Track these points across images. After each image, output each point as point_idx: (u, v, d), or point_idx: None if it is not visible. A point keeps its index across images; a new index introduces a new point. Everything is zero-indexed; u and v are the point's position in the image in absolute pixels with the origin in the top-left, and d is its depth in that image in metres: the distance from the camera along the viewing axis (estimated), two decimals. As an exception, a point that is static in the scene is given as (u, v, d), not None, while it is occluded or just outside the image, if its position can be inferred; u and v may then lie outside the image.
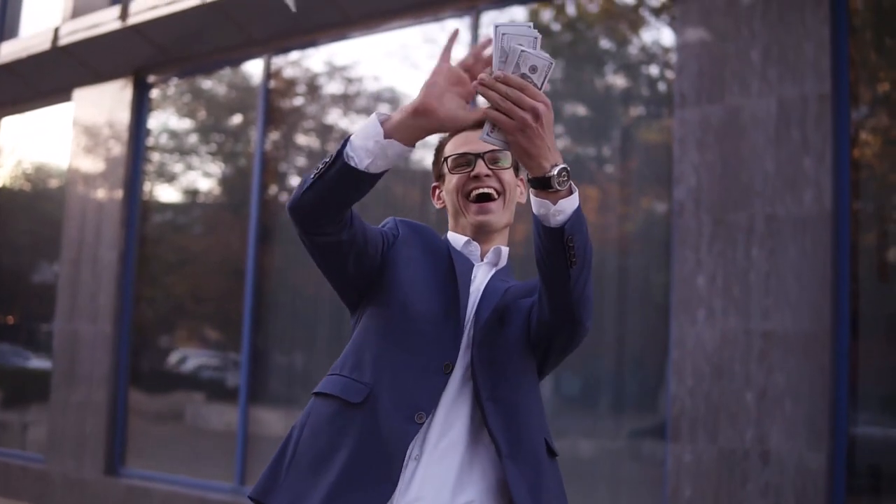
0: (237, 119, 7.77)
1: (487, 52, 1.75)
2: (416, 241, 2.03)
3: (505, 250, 2.09)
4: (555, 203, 1.70)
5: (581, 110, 6.11)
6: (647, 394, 5.40)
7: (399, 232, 2.03)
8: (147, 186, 7.84)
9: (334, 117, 7.28)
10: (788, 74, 4.54)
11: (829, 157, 4.40)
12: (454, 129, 1.77)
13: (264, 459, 1.94)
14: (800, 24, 4.53)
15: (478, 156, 2.03)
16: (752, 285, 4.53)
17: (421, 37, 6.50)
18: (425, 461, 1.84)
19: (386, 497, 1.80)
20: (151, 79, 7.75)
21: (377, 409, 1.85)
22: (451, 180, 2.07)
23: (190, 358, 7.84)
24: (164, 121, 8.03)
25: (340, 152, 1.75)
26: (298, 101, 7.44)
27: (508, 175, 2.05)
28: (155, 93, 7.87)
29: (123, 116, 7.67)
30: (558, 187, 1.69)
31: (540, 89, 1.67)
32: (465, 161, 2.05)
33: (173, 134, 8.16)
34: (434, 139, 2.05)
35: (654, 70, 5.71)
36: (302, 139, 7.36)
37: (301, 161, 7.15)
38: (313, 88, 7.31)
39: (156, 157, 7.98)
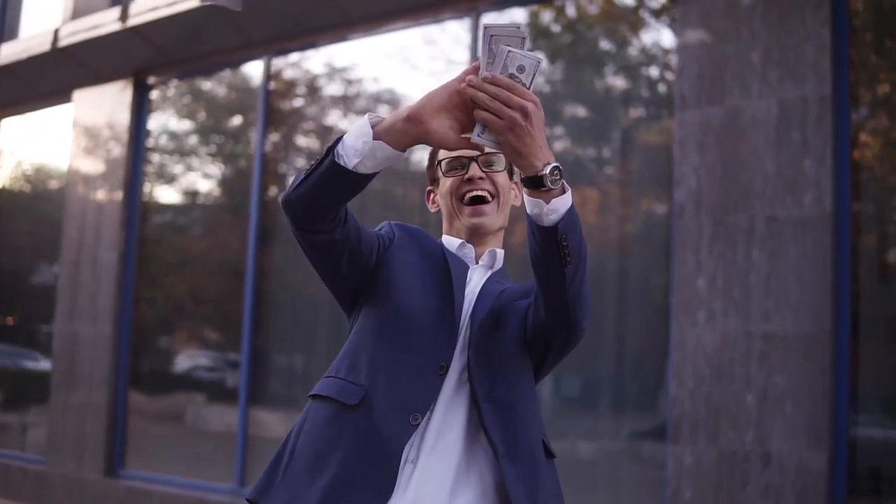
0: (237, 120, 7.77)
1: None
2: (412, 244, 2.04)
3: (500, 253, 2.09)
4: (548, 202, 1.70)
5: (581, 112, 6.11)
6: (648, 395, 5.40)
7: (395, 235, 2.04)
8: (147, 188, 7.84)
9: (334, 119, 7.28)
10: (789, 76, 4.54)
11: (829, 159, 4.40)
12: (440, 146, 1.77)
13: (264, 461, 1.95)
14: (800, 25, 4.53)
15: (471, 159, 2.04)
16: (753, 287, 4.53)
17: (421, 38, 6.50)
18: (422, 464, 1.84)
19: (383, 499, 1.80)
20: (151, 80, 7.75)
21: (373, 411, 1.85)
22: (445, 183, 2.08)
23: (190, 359, 7.84)
24: (164, 122, 8.03)
25: (331, 150, 1.76)
26: (298, 103, 7.44)
27: (502, 178, 2.06)
28: (155, 94, 7.87)
29: (123, 118, 7.68)
30: (551, 186, 1.69)
31: (528, 88, 1.67)
32: (458, 164, 2.05)
33: (173, 135, 8.16)
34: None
35: (654, 72, 5.71)
36: (302, 140, 7.36)
37: (301, 162, 7.15)
38: (313, 90, 7.31)
39: (156, 158, 7.98)
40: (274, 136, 7.17)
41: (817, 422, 4.30)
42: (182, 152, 8.19)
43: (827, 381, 4.31)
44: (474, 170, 2.03)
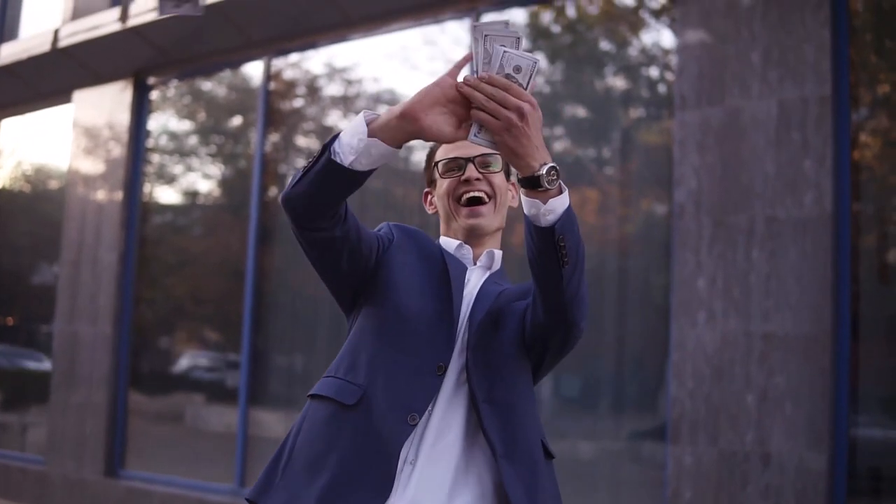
0: (237, 121, 7.77)
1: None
2: (411, 245, 2.04)
3: (498, 254, 2.09)
4: (545, 202, 1.70)
5: (581, 112, 6.11)
6: (648, 396, 5.40)
7: (394, 236, 2.04)
8: (147, 188, 7.84)
9: (334, 119, 7.28)
10: (789, 76, 4.54)
11: (829, 159, 4.40)
12: (436, 141, 1.77)
13: (264, 461, 1.95)
14: (800, 26, 4.53)
15: (468, 160, 2.04)
16: (753, 287, 4.53)
17: (421, 39, 6.50)
18: (421, 464, 1.84)
19: (382, 499, 1.80)
20: (151, 80, 7.75)
21: (371, 411, 1.85)
22: (442, 185, 2.08)
23: (190, 359, 7.84)
24: (164, 122, 8.03)
25: (327, 147, 1.76)
26: (298, 103, 7.44)
27: (499, 179, 2.06)
28: (155, 94, 7.87)
29: (123, 118, 7.67)
30: (548, 186, 1.69)
31: (525, 89, 1.67)
32: (455, 165, 2.06)
33: (173, 135, 8.16)
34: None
35: (654, 72, 5.71)
36: (302, 141, 7.36)
37: (301, 163, 7.14)
38: (313, 90, 7.31)
39: (156, 158, 7.98)
40: (274, 137, 7.17)
41: (817, 422, 4.30)
42: (182, 152, 8.19)
43: (827, 382, 4.31)
44: (471, 171, 2.03)
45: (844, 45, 4.51)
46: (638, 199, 5.57)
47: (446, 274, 1.98)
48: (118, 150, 7.66)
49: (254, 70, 7.28)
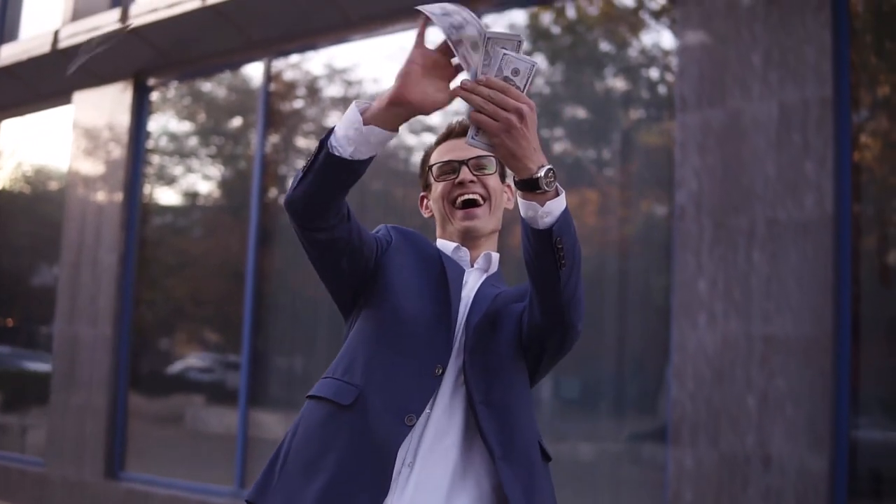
0: (237, 122, 7.77)
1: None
2: (409, 247, 2.04)
3: (495, 256, 2.10)
4: (542, 205, 1.70)
5: (581, 113, 6.10)
6: (648, 397, 5.39)
7: (392, 238, 2.05)
8: (147, 189, 7.84)
9: (334, 120, 7.25)
10: (789, 78, 4.53)
11: (830, 161, 4.39)
12: (434, 112, 1.76)
13: (264, 462, 1.95)
14: (801, 27, 4.52)
15: (462, 162, 2.04)
16: (753, 289, 4.52)
17: (421, 39, 6.49)
18: (419, 467, 1.84)
19: (379, 501, 1.79)
20: (151, 81, 7.75)
21: (367, 411, 1.84)
22: (437, 188, 2.09)
23: (190, 360, 7.84)
24: (164, 123, 8.03)
25: (324, 143, 1.76)
26: (298, 104, 7.44)
27: (494, 181, 2.07)
28: (155, 95, 7.87)
29: (123, 119, 7.67)
30: (545, 188, 1.69)
31: (523, 91, 1.67)
32: (449, 168, 2.06)
33: (173, 137, 8.16)
34: (430, 138, 2.05)
35: (654, 73, 5.70)
36: (302, 142, 7.36)
37: (301, 164, 7.15)
38: (313, 91, 7.31)
39: (156, 159, 7.98)
40: (274, 138, 7.17)
41: (818, 424, 4.29)
42: (182, 154, 8.19)
43: (828, 384, 4.30)
44: (465, 174, 2.04)
45: (845, 47, 4.51)
46: (638, 201, 5.56)
47: (444, 276, 1.98)
48: (118, 152, 7.66)
49: (254, 71, 7.28)
